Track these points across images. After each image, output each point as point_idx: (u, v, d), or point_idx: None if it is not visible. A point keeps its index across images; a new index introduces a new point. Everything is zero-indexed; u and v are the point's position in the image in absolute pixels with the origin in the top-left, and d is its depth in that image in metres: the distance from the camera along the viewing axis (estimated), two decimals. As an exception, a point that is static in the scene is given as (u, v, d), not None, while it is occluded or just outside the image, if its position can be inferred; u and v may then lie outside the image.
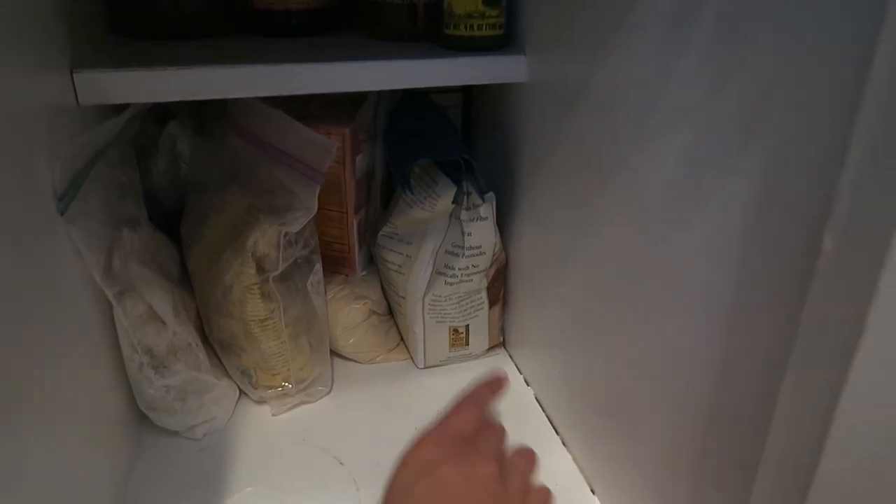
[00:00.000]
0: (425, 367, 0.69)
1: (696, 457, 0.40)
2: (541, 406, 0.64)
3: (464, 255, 0.64)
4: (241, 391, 0.63)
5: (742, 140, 0.32)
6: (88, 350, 0.47)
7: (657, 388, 0.43)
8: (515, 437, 0.36)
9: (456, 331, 0.68)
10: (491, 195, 0.64)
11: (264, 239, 0.56)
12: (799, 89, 0.28)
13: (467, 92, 0.75)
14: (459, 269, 0.64)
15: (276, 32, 0.62)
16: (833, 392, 0.26)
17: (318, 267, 0.62)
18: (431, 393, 0.62)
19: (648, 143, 0.40)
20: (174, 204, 0.66)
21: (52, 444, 0.39)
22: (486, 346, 0.71)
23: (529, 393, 0.66)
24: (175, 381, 0.55)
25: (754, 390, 0.33)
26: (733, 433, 0.35)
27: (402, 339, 0.71)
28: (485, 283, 0.66)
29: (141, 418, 0.58)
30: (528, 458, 0.36)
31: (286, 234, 0.57)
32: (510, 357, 0.71)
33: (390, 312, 0.72)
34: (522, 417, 0.63)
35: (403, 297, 0.66)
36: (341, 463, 0.57)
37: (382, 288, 0.72)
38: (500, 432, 0.36)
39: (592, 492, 0.54)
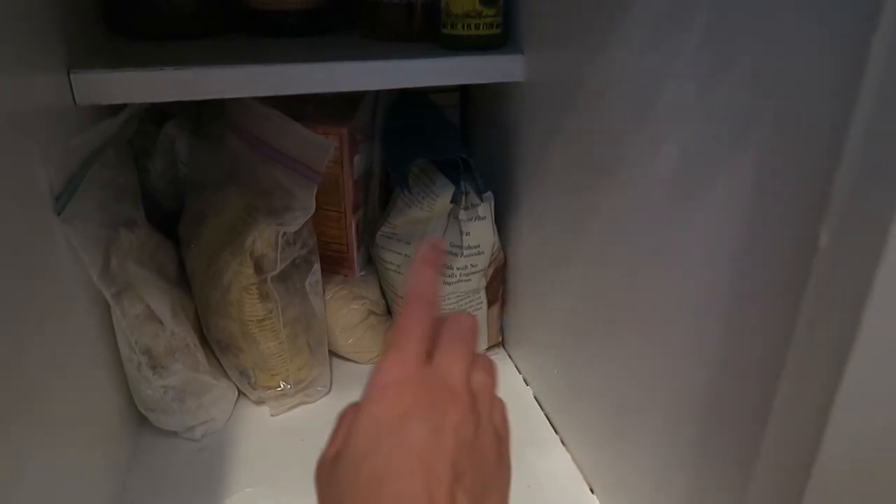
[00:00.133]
0: (424, 367, 0.69)
1: (695, 455, 0.40)
2: (540, 405, 0.64)
3: (462, 254, 0.64)
4: (239, 392, 0.63)
5: (737, 138, 0.32)
6: (86, 350, 0.47)
7: (656, 386, 0.43)
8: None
9: (455, 330, 0.68)
10: (489, 195, 0.64)
11: (262, 239, 0.56)
12: (793, 86, 0.28)
13: (465, 91, 0.75)
14: (458, 268, 0.64)
15: (273, 32, 0.62)
16: (829, 389, 0.26)
17: (317, 267, 0.62)
18: (430, 393, 0.61)
19: (645, 141, 0.40)
20: (172, 204, 0.66)
21: (51, 445, 0.39)
22: (485, 346, 0.71)
23: (528, 392, 0.66)
24: (173, 381, 0.55)
25: (752, 388, 0.33)
26: (731, 432, 0.35)
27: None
28: (483, 283, 0.66)
29: (139, 419, 0.58)
30: (489, 371, 0.33)
31: (284, 234, 0.57)
32: (509, 356, 0.71)
33: (389, 312, 0.72)
34: (521, 417, 0.62)
35: (402, 297, 0.66)
36: (340, 463, 0.57)
37: (381, 288, 0.72)
38: (460, 329, 0.33)
39: (591, 491, 0.54)
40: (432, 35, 0.58)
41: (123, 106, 0.53)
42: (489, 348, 0.71)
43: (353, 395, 0.30)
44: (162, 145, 0.64)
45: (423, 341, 0.31)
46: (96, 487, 0.48)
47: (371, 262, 0.72)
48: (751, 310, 0.33)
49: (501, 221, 0.66)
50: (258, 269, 0.57)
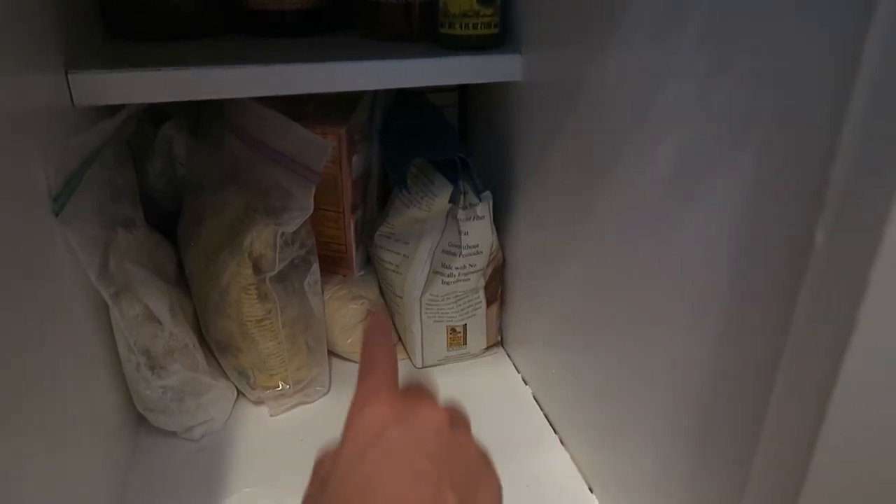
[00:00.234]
0: (423, 367, 0.69)
1: (694, 454, 0.40)
2: (539, 405, 0.64)
3: (461, 254, 0.64)
4: (238, 392, 0.63)
5: (737, 138, 0.32)
6: (85, 351, 0.47)
7: (654, 385, 0.43)
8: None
9: (454, 330, 0.68)
10: (487, 194, 0.64)
11: (260, 239, 0.56)
12: (793, 86, 0.28)
13: (463, 91, 0.75)
14: (456, 268, 0.64)
15: (271, 32, 0.62)
16: (826, 388, 0.26)
17: (315, 267, 0.62)
18: (429, 392, 0.62)
19: (643, 141, 0.40)
20: (171, 205, 0.66)
21: (49, 445, 0.39)
22: (484, 346, 0.71)
23: (527, 392, 0.66)
24: (172, 381, 0.55)
25: (749, 387, 0.33)
26: (729, 430, 0.35)
27: (399, 338, 0.71)
28: (482, 283, 0.66)
29: (138, 419, 0.58)
30: (462, 413, 0.35)
31: (282, 234, 0.57)
32: (508, 356, 0.71)
33: (388, 312, 0.72)
34: (521, 416, 0.62)
35: (401, 297, 0.66)
36: (339, 463, 0.57)
37: (380, 288, 0.72)
38: (423, 385, 0.35)
39: (591, 490, 0.54)
40: (431, 35, 0.58)
41: (122, 106, 0.53)
42: (488, 348, 0.71)
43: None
44: (160, 146, 0.64)
45: (392, 370, 0.33)
46: (95, 487, 0.48)
47: (370, 261, 0.72)
48: (749, 309, 0.33)
49: (500, 221, 0.66)
50: (257, 269, 0.57)
